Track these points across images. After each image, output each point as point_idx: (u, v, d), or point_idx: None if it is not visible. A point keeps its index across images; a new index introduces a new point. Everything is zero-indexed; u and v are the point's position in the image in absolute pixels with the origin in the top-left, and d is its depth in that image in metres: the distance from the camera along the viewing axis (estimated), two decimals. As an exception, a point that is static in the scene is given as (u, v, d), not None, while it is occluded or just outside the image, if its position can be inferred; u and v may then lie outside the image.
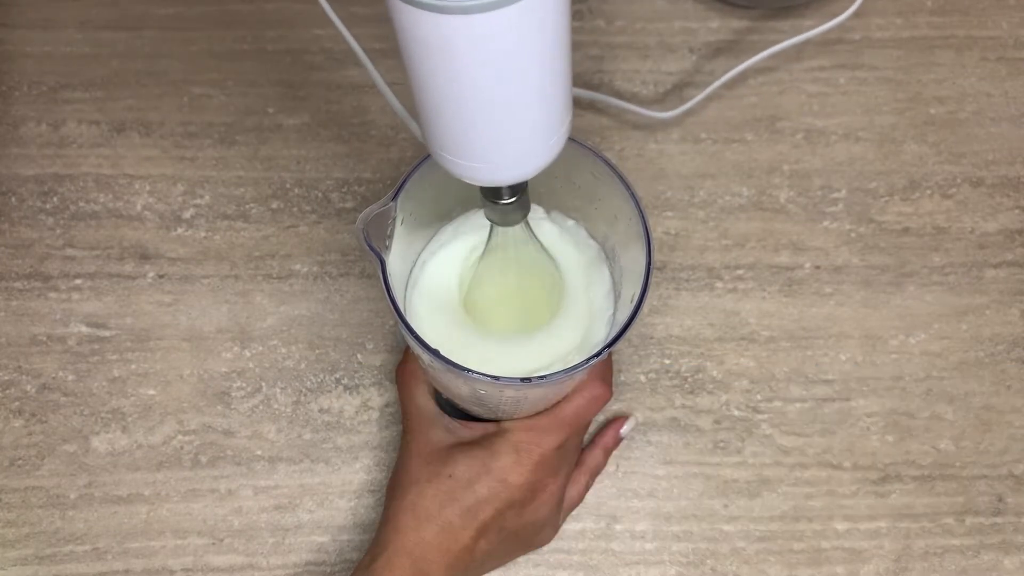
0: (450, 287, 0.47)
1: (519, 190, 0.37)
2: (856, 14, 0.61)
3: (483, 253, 0.44)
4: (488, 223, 0.40)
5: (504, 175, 0.34)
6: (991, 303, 0.57)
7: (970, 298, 0.57)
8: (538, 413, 0.45)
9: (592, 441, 0.52)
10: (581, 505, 0.52)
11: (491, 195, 0.37)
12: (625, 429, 0.53)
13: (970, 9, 0.63)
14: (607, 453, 0.52)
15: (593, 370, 0.45)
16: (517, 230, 0.41)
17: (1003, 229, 0.58)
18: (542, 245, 0.44)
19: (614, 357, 0.55)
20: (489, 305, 0.46)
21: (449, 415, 0.47)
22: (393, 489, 0.46)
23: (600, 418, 0.54)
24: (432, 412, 0.46)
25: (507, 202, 0.37)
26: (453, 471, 0.44)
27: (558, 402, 0.45)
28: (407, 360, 0.48)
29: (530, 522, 0.46)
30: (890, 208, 0.58)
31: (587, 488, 0.51)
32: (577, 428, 0.46)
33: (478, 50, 0.28)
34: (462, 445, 0.45)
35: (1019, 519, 0.52)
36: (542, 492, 0.45)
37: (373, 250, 0.38)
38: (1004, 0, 0.64)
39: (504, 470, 0.43)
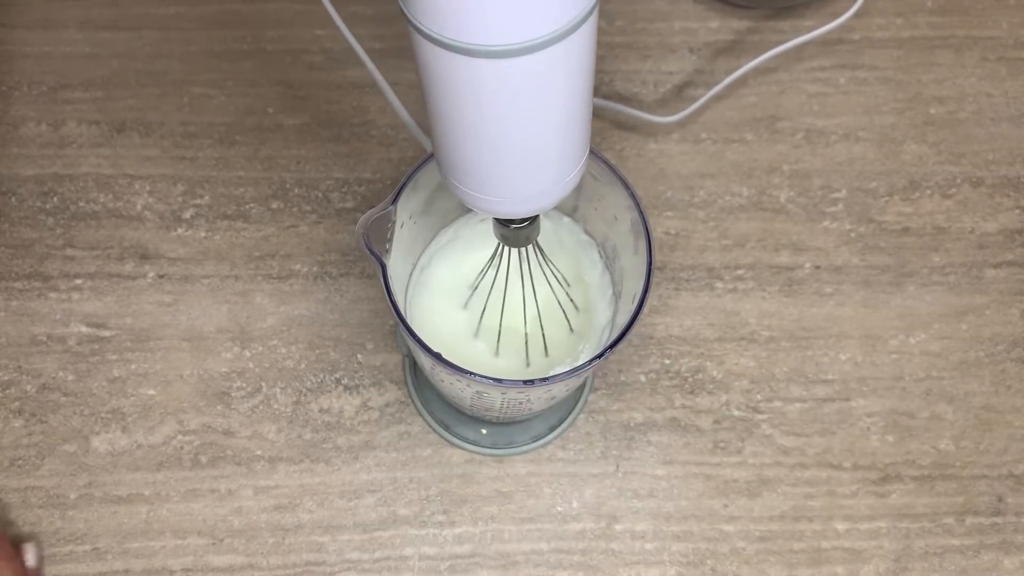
0: (451, 289, 0.47)
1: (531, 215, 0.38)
2: (856, 14, 0.61)
3: (487, 266, 0.44)
4: (490, 227, 0.40)
5: (523, 208, 0.35)
6: (991, 303, 0.57)
7: (970, 298, 0.57)
8: None
9: None
10: (581, 505, 0.52)
11: (504, 220, 0.37)
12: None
13: (970, 9, 0.63)
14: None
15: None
16: (526, 248, 0.41)
17: (1003, 229, 0.58)
18: (549, 261, 0.44)
19: (615, 357, 0.55)
20: (494, 314, 0.46)
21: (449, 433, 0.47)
22: None
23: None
24: None
25: (519, 226, 0.38)
26: None
27: None
28: None
29: None
30: (890, 208, 0.58)
31: None
32: None
33: (504, 92, 0.29)
34: None
35: (1019, 519, 0.52)
36: None
37: (374, 254, 0.38)
38: (1004, 0, 0.64)
39: None
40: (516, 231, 0.38)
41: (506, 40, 0.27)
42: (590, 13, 0.28)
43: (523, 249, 0.42)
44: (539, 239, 0.43)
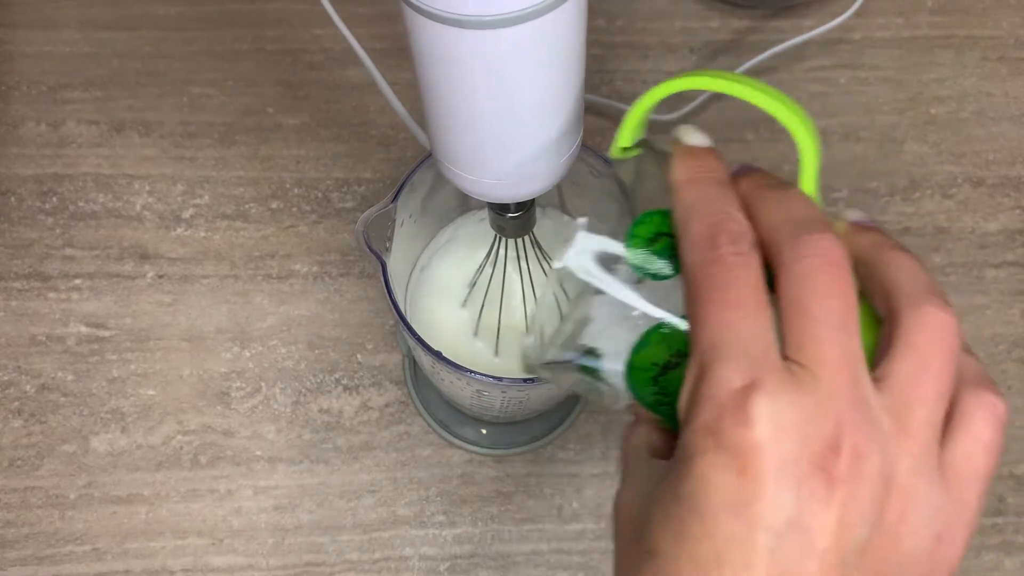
0: (451, 288, 0.47)
1: (527, 204, 0.37)
2: (857, 14, 0.61)
3: (485, 261, 0.44)
4: (489, 227, 0.40)
5: (517, 191, 0.35)
6: (992, 303, 0.56)
7: (971, 298, 0.57)
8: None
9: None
10: (581, 505, 0.52)
11: (499, 208, 0.37)
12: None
13: (971, 9, 0.63)
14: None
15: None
16: (522, 240, 0.41)
17: (1004, 229, 0.58)
18: (548, 257, 0.44)
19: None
20: (493, 312, 0.46)
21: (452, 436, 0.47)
22: None
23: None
24: (635, 455, 0.28)
25: (515, 215, 0.37)
26: (651, 544, 0.25)
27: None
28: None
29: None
30: (891, 208, 0.58)
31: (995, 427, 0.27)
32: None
33: (496, 65, 0.28)
34: (658, 492, 0.26)
35: (1020, 519, 0.52)
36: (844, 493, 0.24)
37: (374, 252, 0.38)
38: (1005, 0, 0.64)
39: (734, 504, 0.23)
40: (512, 220, 0.38)
41: (496, 10, 0.26)
42: None
43: (520, 244, 0.42)
44: (539, 237, 0.43)
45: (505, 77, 0.29)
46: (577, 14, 0.29)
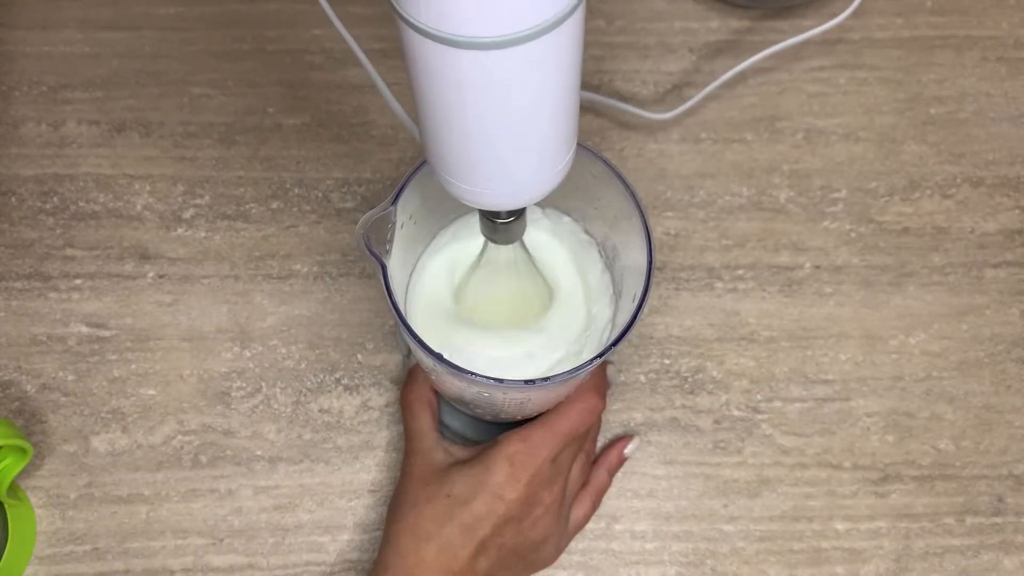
0: (451, 288, 0.47)
1: (518, 211, 0.37)
2: (856, 14, 0.61)
3: (476, 265, 0.44)
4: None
5: (509, 201, 0.35)
6: (991, 303, 0.57)
7: (970, 298, 0.57)
8: (532, 423, 0.45)
9: (596, 461, 0.52)
10: (581, 505, 0.52)
11: (490, 214, 0.37)
12: (629, 449, 0.52)
13: (970, 9, 0.63)
14: (611, 473, 0.52)
15: (586, 381, 0.45)
16: (511, 246, 0.41)
17: (1003, 229, 0.58)
18: (534, 260, 0.44)
19: (614, 357, 0.55)
20: (484, 315, 0.46)
21: (450, 433, 0.47)
22: (393, 511, 0.46)
23: (603, 440, 0.54)
24: (433, 436, 0.47)
25: (505, 222, 0.37)
26: (451, 490, 0.44)
27: (551, 412, 0.45)
28: (412, 383, 0.48)
29: (529, 539, 0.45)
30: (890, 208, 0.58)
31: (593, 509, 0.50)
32: (570, 440, 0.45)
33: (490, 84, 0.29)
34: (459, 464, 0.45)
35: (1019, 519, 0.52)
36: (538, 506, 0.45)
37: (374, 254, 0.38)
38: (1004, 0, 0.64)
39: (500, 485, 0.43)
40: (503, 226, 0.38)
41: (494, 32, 0.26)
42: (576, 7, 0.28)
43: (516, 245, 0.42)
44: (536, 237, 0.43)
45: (501, 96, 0.29)
46: (574, 35, 0.29)
